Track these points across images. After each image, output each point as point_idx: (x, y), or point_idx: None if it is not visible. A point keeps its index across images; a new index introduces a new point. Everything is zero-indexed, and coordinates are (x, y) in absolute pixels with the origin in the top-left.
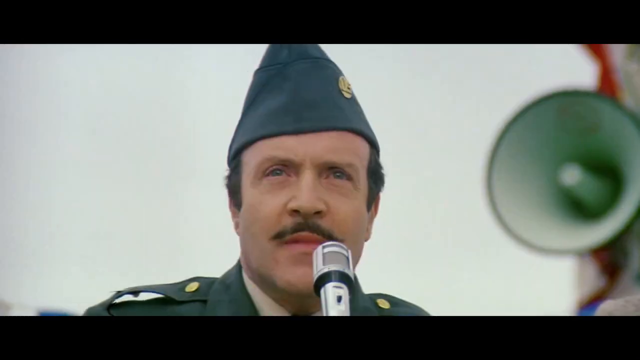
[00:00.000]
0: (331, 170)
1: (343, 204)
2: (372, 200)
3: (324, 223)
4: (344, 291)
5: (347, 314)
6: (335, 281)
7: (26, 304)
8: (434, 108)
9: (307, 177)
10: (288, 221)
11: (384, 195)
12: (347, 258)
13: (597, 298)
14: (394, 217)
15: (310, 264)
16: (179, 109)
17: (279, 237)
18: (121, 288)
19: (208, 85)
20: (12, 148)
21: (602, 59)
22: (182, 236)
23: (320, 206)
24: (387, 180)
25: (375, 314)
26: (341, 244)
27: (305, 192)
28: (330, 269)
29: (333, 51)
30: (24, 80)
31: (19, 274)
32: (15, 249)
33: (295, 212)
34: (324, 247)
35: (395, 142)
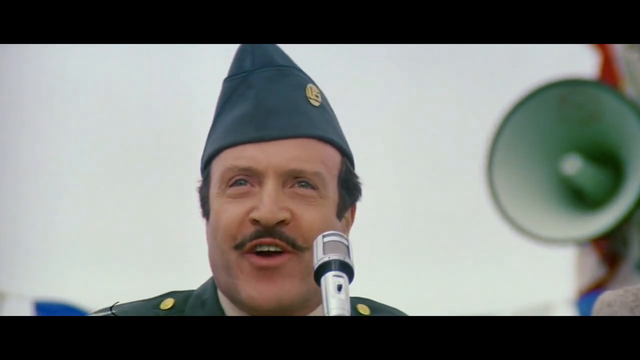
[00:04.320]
0: (296, 180)
1: (308, 212)
2: (345, 209)
3: (287, 231)
4: (344, 280)
5: (347, 302)
6: (335, 270)
7: (22, 293)
8: (434, 101)
9: (269, 186)
10: (249, 230)
11: (385, 190)
12: (347, 247)
13: (597, 287)
14: (394, 209)
15: (271, 279)
16: (180, 109)
17: (240, 247)
18: (104, 304)
19: (209, 85)
20: (13, 144)
21: (603, 47)
22: (179, 232)
23: (283, 215)
24: (387, 174)
25: None
26: (341, 233)
27: (266, 203)
28: (330, 258)
29: (335, 51)
30: (25, 79)
31: (15, 263)
32: (12, 239)
33: (256, 222)
34: (324, 236)
35: (395, 134)
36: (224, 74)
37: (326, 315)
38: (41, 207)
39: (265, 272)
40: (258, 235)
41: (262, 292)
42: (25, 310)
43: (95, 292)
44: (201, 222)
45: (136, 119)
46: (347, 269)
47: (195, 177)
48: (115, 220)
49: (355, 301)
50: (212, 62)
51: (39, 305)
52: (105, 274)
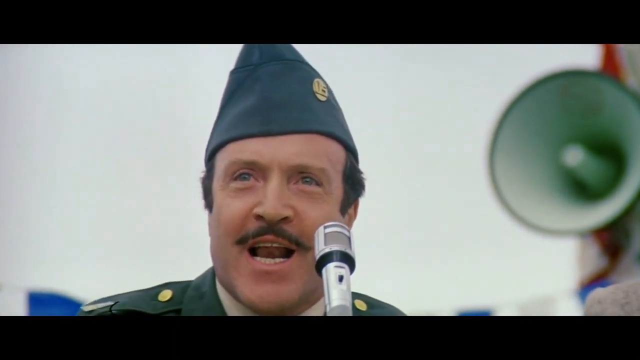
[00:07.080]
0: (300, 175)
1: (312, 210)
2: (348, 205)
3: (290, 228)
4: (345, 271)
5: (348, 293)
6: (336, 261)
7: (15, 283)
8: (435, 95)
9: (274, 182)
10: (252, 226)
11: (386, 183)
12: (349, 238)
13: (598, 278)
14: (394, 201)
15: (271, 282)
16: (180, 108)
17: (242, 242)
18: (97, 296)
19: (210, 85)
20: (11, 137)
21: None
22: (175, 227)
23: (286, 212)
24: (388, 167)
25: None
26: (342, 224)
27: (270, 199)
28: (332, 249)
29: (337, 50)
30: (25, 79)
31: (10, 255)
32: (9, 231)
33: (260, 217)
34: (325, 227)
35: (397, 126)
36: (225, 74)
37: (327, 305)
38: (38, 200)
39: (263, 275)
40: (261, 232)
41: (261, 296)
42: (18, 300)
43: (91, 285)
44: (196, 218)
45: (133, 116)
46: (348, 260)
47: (192, 174)
48: (112, 213)
49: (352, 297)
50: (212, 62)
51: (32, 296)
52: (101, 266)
